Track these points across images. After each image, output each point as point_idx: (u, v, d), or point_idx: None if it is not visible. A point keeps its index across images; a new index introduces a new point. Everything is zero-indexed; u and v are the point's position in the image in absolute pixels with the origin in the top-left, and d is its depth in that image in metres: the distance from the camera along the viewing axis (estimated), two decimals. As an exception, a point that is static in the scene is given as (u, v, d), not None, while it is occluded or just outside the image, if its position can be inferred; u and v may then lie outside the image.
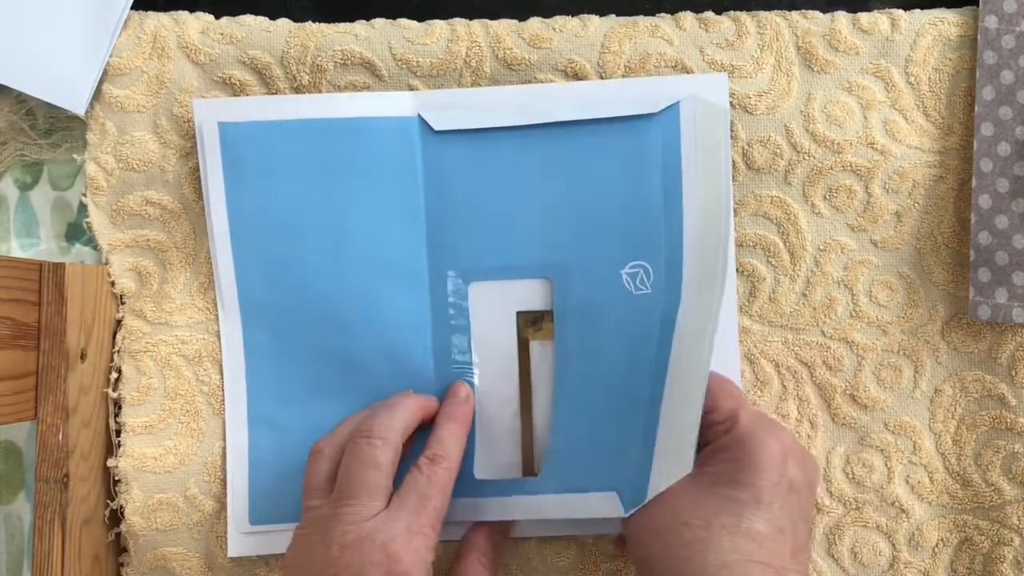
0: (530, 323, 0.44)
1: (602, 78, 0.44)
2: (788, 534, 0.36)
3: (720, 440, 0.39)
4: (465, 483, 0.43)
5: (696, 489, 0.37)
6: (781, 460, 0.37)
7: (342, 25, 0.45)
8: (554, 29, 0.45)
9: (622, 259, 0.43)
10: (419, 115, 0.44)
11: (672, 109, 0.43)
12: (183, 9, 0.46)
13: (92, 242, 0.46)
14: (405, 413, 0.41)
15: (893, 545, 0.45)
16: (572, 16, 0.45)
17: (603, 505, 0.41)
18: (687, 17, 0.45)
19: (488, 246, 0.44)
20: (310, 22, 0.45)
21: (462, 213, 0.44)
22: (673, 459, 0.39)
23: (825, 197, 0.45)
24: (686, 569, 0.35)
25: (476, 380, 0.45)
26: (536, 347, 0.44)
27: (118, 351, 0.46)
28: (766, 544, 0.35)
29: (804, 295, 0.45)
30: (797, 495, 0.37)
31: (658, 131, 0.43)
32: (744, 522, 0.36)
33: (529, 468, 0.44)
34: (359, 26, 0.45)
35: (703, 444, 0.39)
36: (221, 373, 0.45)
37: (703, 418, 0.39)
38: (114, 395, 0.45)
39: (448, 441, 0.41)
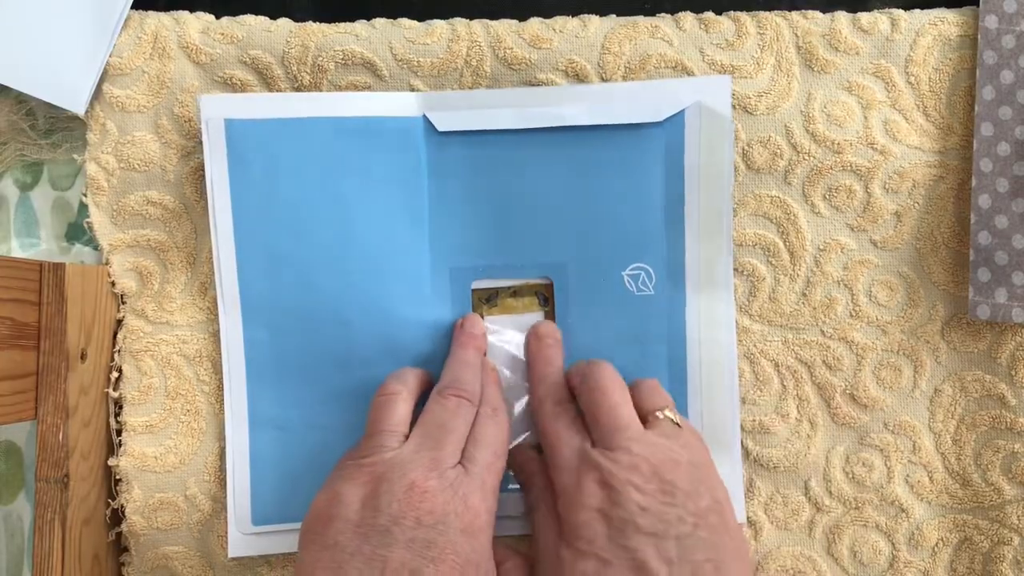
0: (484, 300, 0.45)
1: (602, 79, 0.44)
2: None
3: None
4: None
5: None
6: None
7: (343, 25, 0.45)
8: (554, 29, 0.45)
9: (623, 261, 0.44)
10: (424, 115, 0.44)
11: (677, 116, 0.44)
12: (183, 9, 0.46)
13: (92, 242, 0.46)
14: (477, 378, 0.42)
15: (893, 544, 0.45)
16: (572, 16, 0.45)
17: None
18: (687, 17, 0.45)
19: (490, 245, 0.44)
20: (311, 22, 0.45)
21: (465, 213, 0.44)
22: (716, 451, 0.42)
23: (825, 197, 0.45)
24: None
25: None
26: (490, 323, 0.45)
27: (119, 351, 0.46)
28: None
29: (804, 295, 0.45)
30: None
31: (662, 138, 0.44)
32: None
33: None
34: (360, 26, 0.45)
35: None
36: (221, 372, 0.45)
37: None
38: (115, 395, 0.45)
39: (497, 395, 0.42)
